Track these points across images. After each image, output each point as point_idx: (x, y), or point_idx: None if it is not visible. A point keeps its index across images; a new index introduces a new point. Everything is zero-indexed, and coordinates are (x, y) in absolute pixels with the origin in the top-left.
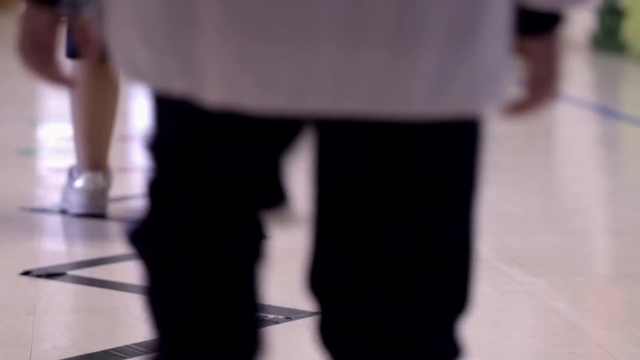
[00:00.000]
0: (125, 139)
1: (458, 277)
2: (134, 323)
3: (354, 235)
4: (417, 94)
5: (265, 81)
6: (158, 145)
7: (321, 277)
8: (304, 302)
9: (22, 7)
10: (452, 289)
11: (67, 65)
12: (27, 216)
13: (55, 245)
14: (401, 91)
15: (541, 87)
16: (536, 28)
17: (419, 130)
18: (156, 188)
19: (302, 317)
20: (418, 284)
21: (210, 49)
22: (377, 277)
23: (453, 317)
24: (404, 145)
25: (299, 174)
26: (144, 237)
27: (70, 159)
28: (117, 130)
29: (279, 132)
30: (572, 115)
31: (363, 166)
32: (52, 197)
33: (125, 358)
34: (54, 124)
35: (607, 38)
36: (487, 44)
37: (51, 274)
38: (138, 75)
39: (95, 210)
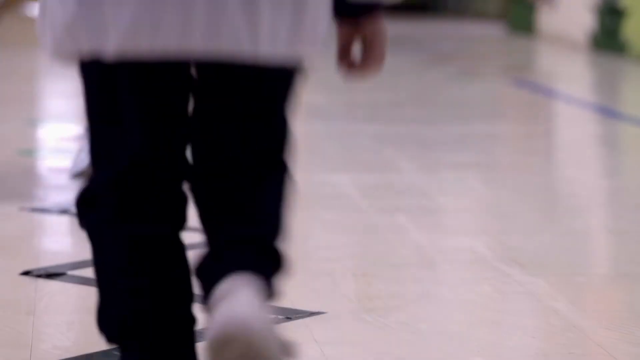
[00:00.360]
0: None
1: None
2: None
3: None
4: (260, 42)
5: (157, 30)
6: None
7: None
8: (304, 302)
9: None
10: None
11: None
12: (27, 216)
13: (55, 245)
14: (248, 40)
15: (374, 52)
16: (364, 12)
17: (262, 70)
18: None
19: (302, 317)
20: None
21: (113, 9)
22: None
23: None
24: (249, 79)
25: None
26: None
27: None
28: None
29: (168, 76)
30: (572, 115)
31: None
32: (52, 197)
33: None
34: (54, 124)
35: (607, 38)
36: (310, 11)
37: (51, 274)
38: (59, 49)
39: None
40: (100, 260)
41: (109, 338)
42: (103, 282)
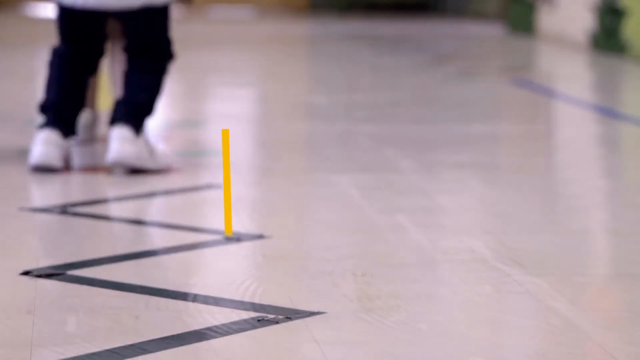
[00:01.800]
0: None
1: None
2: (134, 323)
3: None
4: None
5: None
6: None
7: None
8: (304, 302)
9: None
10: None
11: None
12: (27, 216)
13: (55, 245)
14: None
15: None
16: None
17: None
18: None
19: (302, 317)
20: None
21: None
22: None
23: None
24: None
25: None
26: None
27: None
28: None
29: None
30: (572, 115)
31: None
32: (52, 197)
33: (125, 358)
34: None
35: (607, 38)
36: None
37: (51, 274)
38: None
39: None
40: (50, 74)
41: (40, 109)
42: (48, 84)
